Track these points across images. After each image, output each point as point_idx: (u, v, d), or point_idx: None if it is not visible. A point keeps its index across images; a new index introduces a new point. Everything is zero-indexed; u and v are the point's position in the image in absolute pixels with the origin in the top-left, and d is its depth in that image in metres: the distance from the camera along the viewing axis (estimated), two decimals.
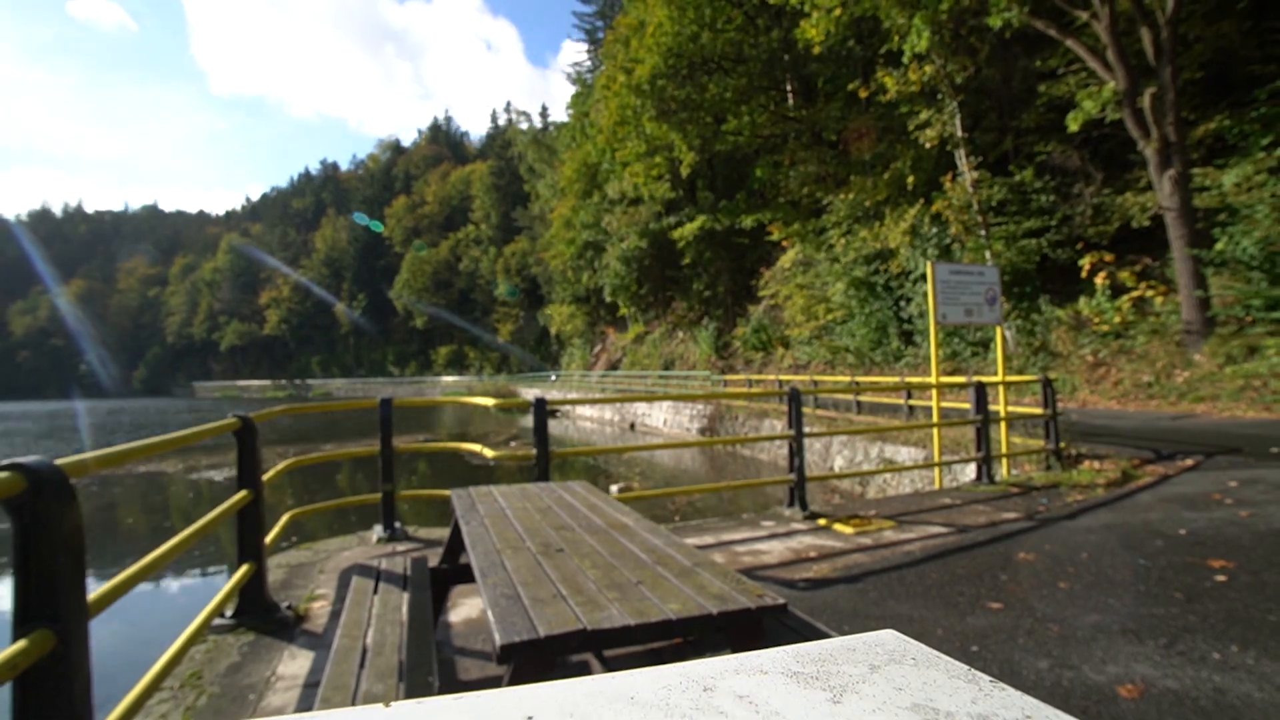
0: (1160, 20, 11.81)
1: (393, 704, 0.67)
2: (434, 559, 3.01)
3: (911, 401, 12.57)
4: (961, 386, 8.42)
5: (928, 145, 16.38)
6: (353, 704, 1.60)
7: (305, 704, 2.45)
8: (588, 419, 30.47)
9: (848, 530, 4.81)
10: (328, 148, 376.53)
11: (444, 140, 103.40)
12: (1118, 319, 13.26)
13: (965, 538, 4.52)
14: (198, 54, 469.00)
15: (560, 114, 62.03)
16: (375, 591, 2.48)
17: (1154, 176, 12.39)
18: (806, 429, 6.41)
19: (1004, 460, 7.13)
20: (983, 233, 15.47)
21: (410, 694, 1.67)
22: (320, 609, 3.41)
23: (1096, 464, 6.79)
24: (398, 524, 4.82)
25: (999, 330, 7.90)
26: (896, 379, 15.84)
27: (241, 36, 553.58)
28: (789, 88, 24.79)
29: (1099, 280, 13.88)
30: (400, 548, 4.49)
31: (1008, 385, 7.59)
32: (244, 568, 3.15)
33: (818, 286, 21.39)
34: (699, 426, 20.59)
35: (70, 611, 1.62)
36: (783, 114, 23.96)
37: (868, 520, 5.06)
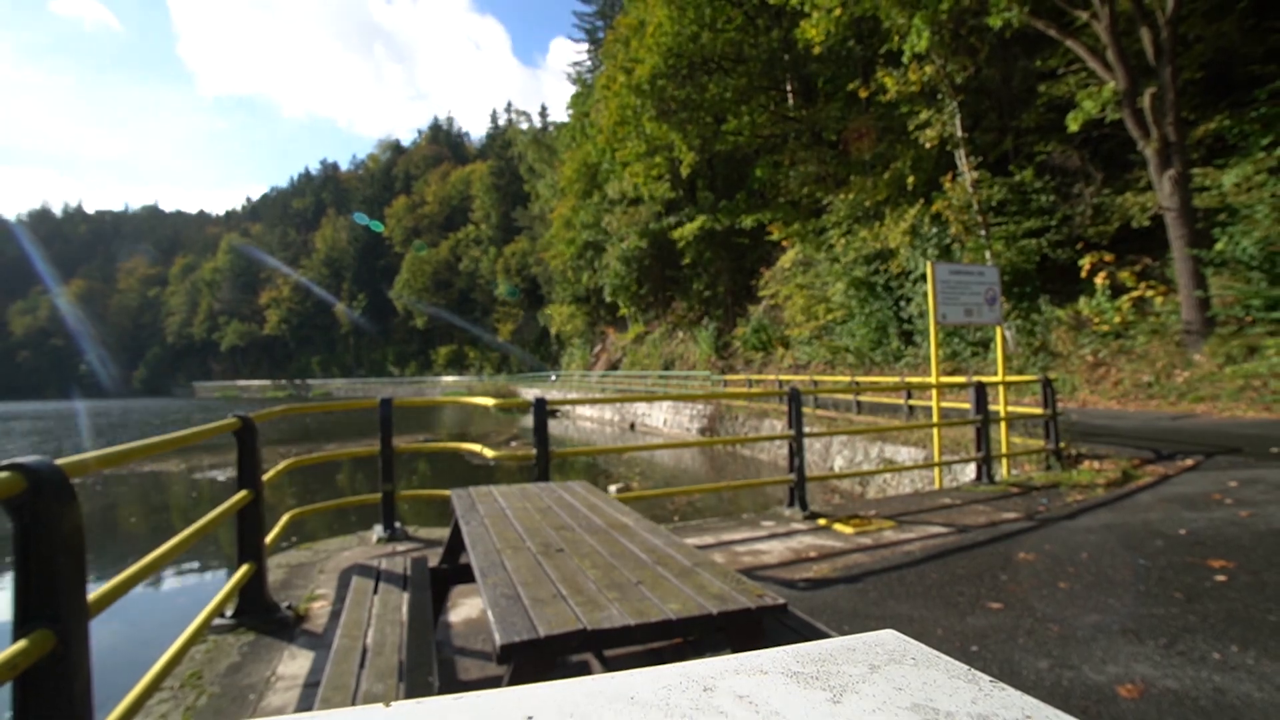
0: (1160, 20, 11.81)
1: (393, 704, 0.67)
2: (434, 559, 3.01)
3: (911, 401, 12.57)
4: (961, 386, 8.42)
5: (928, 145, 16.38)
6: (353, 704, 1.60)
7: (305, 704, 2.45)
8: (588, 419, 30.47)
9: (848, 530, 4.81)
10: (325, 148, 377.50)
11: (444, 140, 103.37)
12: (1118, 319, 13.26)
13: (965, 538, 4.52)
14: (184, 54, 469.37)
15: (559, 113, 62.09)
16: (375, 591, 2.48)
17: (1154, 176, 12.39)
18: (806, 429, 6.41)
19: (1004, 460, 7.13)
20: (983, 233, 15.47)
21: (410, 694, 1.67)
22: (320, 609, 3.41)
23: (1096, 464, 6.79)
24: (398, 524, 4.82)
25: (999, 330, 7.91)
26: (896, 379, 15.83)
27: (228, 37, 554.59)
28: (789, 88, 24.77)
29: (1099, 280, 13.89)
30: (400, 548, 4.49)
31: (1008, 385, 7.59)
32: (244, 568, 3.15)
33: (818, 286, 21.38)
34: (699, 426, 20.58)
35: (70, 611, 1.62)
36: (783, 114, 23.95)
37: (868, 520, 5.06)
